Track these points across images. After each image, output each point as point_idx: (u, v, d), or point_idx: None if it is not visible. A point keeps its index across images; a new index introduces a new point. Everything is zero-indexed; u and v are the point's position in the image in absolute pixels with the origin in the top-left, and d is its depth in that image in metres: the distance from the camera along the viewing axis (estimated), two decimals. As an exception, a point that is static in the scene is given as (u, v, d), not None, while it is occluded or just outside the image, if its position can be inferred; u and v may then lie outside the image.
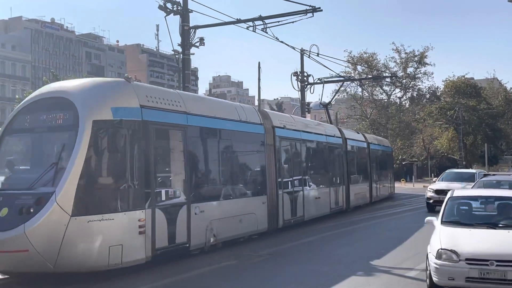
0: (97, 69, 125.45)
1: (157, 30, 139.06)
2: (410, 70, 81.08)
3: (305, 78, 37.97)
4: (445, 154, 76.51)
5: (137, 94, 12.78)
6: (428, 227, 12.36)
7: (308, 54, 34.80)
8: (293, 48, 32.82)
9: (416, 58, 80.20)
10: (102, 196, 11.76)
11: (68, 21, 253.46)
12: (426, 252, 10.60)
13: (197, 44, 23.12)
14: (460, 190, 14.22)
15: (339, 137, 28.18)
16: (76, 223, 10.89)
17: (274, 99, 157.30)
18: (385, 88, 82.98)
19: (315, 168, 24.52)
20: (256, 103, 62.24)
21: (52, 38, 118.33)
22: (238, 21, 23.89)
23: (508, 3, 32.37)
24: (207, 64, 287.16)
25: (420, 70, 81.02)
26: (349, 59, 77.01)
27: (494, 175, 24.95)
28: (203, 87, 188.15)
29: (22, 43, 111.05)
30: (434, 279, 10.00)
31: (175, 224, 13.33)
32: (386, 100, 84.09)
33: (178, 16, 22.52)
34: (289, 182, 20.62)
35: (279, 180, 19.46)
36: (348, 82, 71.44)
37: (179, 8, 22.23)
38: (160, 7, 22.01)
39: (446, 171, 34.84)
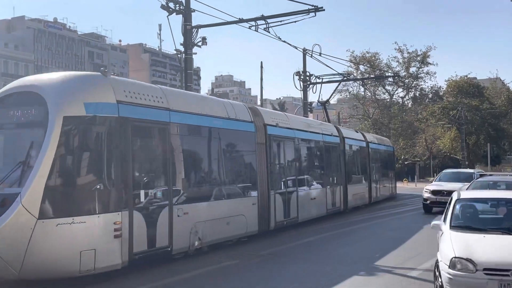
0: (100, 68, 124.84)
1: (160, 29, 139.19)
2: (412, 69, 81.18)
3: (307, 77, 37.70)
4: (448, 154, 76.20)
5: (114, 88, 11.99)
6: (429, 227, 11.74)
7: (311, 53, 34.49)
8: (296, 47, 32.61)
9: (418, 58, 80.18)
10: (73, 197, 10.94)
11: (71, 20, 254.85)
12: (427, 252, 10.01)
13: (200, 43, 23.02)
14: (467, 191, 13.25)
15: (337, 136, 27.39)
16: (43, 226, 10.17)
17: (277, 98, 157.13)
18: (388, 87, 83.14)
19: (310, 168, 23.74)
20: (259, 102, 61.57)
21: (54, 38, 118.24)
22: (241, 20, 23.79)
23: (511, 3, 31.68)
24: (210, 63, 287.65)
25: (422, 70, 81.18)
26: (352, 58, 77.34)
27: (490, 175, 24.10)
28: (205, 87, 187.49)
29: (24, 42, 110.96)
30: None
31: (155, 227, 12.54)
32: (388, 100, 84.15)
33: (180, 16, 22.46)
34: (282, 182, 19.86)
35: (271, 180, 18.71)
36: (351, 82, 71.63)
37: (181, 7, 22.13)
38: (162, 7, 21.89)
39: (443, 171, 34.11)
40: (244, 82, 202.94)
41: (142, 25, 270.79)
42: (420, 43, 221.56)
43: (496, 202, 11.76)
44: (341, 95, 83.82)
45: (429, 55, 79.40)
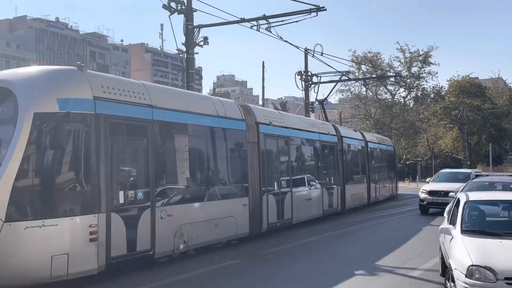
0: (102, 68, 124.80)
1: (161, 29, 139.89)
2: (414, 69, 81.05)
3: (309, 77, 37.46)
4: (450, 154, 75.84)
5: (91, 84, 11.34)
6: (429, 228, 11.17)
7: (312, 53, 34.18)
8: (297, 47, 32.31)
9: (420, 58, 79.95)
10: (43, 199, 10.31)
11: (73, 20, 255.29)
12: (429, 252, 9.44)
13: (201, 43, 22.91)
14: (475, 193, 12.39)
15: (334, 135, 26.73)
16: (10, 229, 9.58)
17: (278, 98, 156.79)
18: (390, 87, 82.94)
19: (306, 168, 23.07)
20: (260, 102, 61.10)
21: (56, 37, 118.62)
22: (242, 20, 23.63)
23: (512, 3, 30.96)
24: (211, 63, 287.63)
25: (424, 70, 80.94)
26: (354, 58, 77.08)
27: (487, 175, 23.29)
28: (207, 87, 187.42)
29: (26, 42, 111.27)
30: None
31: (136, 230, 11.89)
32: (390, 99, 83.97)
33: (182, 15, 22.36)
34: (276, 183, 19.21)
35: (264, 180, 18.08)
36: (353, 82, 71.33)
37: (183, 7, 22.03)
38: (164, 6, 21.79)
39: (440, 171, 33.42)
40: (246, 82, 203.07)
41: (144, 25, 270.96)
42: (422, 43, 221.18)
43: (509, 204, 10.94)
44: (342, 95, 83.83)
45: (431, 55, 79.22)
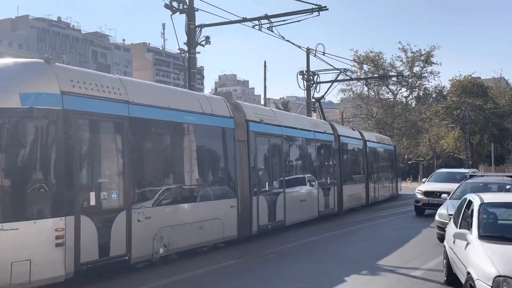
0: (103, 67, 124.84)
1: (163, 29, 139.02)
2: (416, 69, 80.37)
3: (311, 77, 37.10)
4: (451, 153, 75.08)
5: (59, 78, 10.57)
6: (429, 228, 10.50)
7: (314, 53, 34.03)
8: (299, 47, 32.05)
9: (422, 57, 79.28)
10: (3, 201, 9.58)
11: (75, 19, 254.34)
12: (431, 252, 8.76)
13: (203, 43, 22.73)
14: (489, 195, 11.44)
15: (331, 134, 25.92)
16: None
17: (280, 98, 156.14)
18: (391, 87, 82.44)
19: (300, 167, 22.27)
20: (262, 102, 60.65)
21: (58, 37, 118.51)
22: (244, 20, 23.33)
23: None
24: (213, 63, 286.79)
25: (426, 69, 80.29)
26: (355, 58, 76.64)
27: (481, 176, 22.34)
28: (209, 86, 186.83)
29: (28, 41, 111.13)
30: None
31: (109, 234, 11.14)
32: (392, 99, 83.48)
33: (184, 15, 22.15)
34: (267, 183, 18.41)
35: (254, 180, 17.31)
36: (354, 82, 70.88)
37: (185, 6, 21.82)
38: (166, 6, 21.54)
39: (436, 170, 32.61)
40: (248, 81, 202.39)
41: (146, 24, 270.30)
42: (424, 43, 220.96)
43: None
44: (344, 94, 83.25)
45: (432, 54, 78.55)
